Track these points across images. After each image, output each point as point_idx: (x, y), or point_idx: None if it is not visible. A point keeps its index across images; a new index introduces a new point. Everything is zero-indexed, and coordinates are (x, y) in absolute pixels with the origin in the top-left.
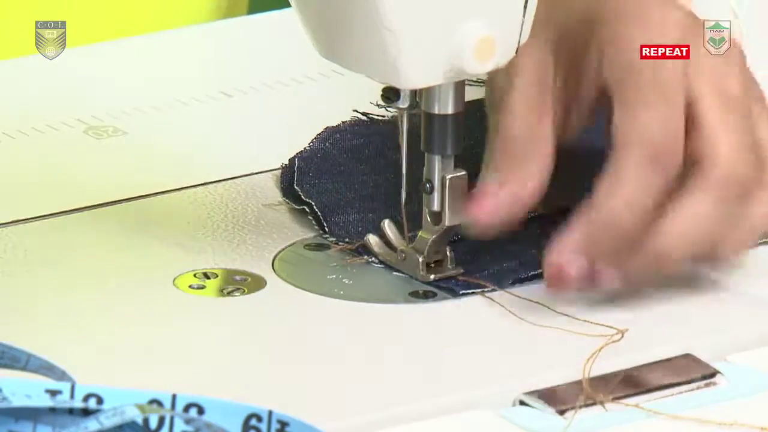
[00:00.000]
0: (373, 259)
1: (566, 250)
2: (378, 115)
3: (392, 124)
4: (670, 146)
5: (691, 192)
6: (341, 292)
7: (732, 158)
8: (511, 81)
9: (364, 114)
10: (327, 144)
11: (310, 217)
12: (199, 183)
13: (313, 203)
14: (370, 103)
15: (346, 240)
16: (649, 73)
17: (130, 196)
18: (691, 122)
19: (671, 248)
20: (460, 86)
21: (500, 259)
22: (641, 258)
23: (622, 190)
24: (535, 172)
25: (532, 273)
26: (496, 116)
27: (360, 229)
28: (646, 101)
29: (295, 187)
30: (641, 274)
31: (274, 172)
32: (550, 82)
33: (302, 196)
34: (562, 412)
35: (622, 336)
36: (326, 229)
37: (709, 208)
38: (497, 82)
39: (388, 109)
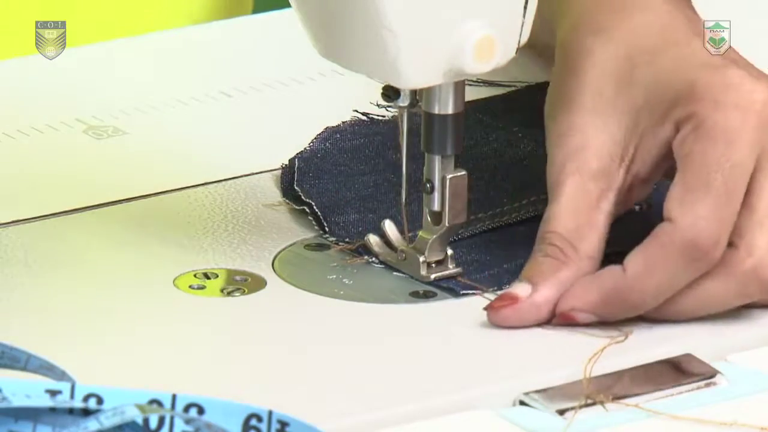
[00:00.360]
0: (374, 259)
1: (580, 305)
2: (378, 115)
3: (392, 123)
4: (713, 250)
5: (716, 278)
6: (341, 292)
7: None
8: (572, 164)
9: (364, 114)
10: (327, 144)
11: (311, 218)
12: (199, 183)
13: (313, 203)
14: (370, 103)
15: (347, 240)
16: (721, 150)
17: (130, 196)
18: (745, 200)
19: (679, 320)
20: (460, 86)
21: (501, 260)
22: (651, 315)
23: (652, 279)
24: (569, 278)
25: None
26: (549, 189)
27: (360, 229)
28: (708, 185)
29: (295, 187)
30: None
31: (274, 172)
32: (614, 168)
33: (302, 197)
34: (562, 412)
35: (626, 337)
36: (326, 230)
37: (727, 298)
38: (557, 154)
39: (388, 109)
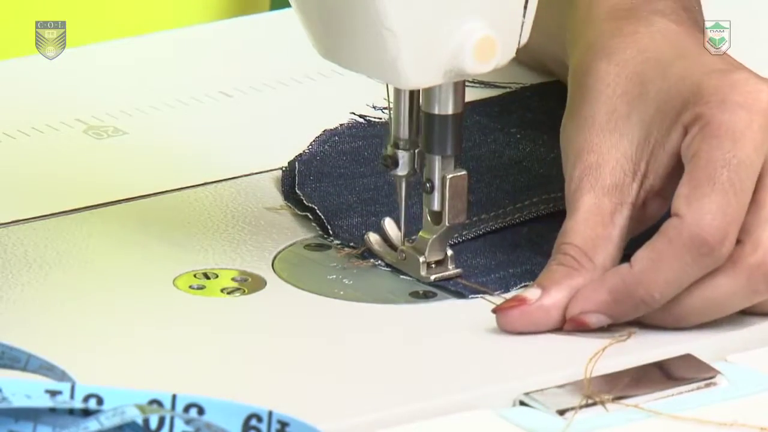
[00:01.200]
0: (380, 262)
1: (590, 306)
2: (375, 118)
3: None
4: (720, 245)
5: (722, 274)
6: (341, 292)
7: None
8: (588, 181)
9: (361, 116)
10: (326, 147)
11: (314, 224)
12: (199, 183)
13: (316, 208)
14: (366, 105)
15: (351, 244)
16: (727, 147)
17: (130, 196)
18: (753, 198)
19: (687, 322)
20: (460, 86)
21: (507, 264)
22: (657, 318)
23: (659, 274)
24: (581, 286)
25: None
26: (567, 206)
27: (363, 231)
28: (714, 181)
29: (297, 191)
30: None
31: (274, 172)
32: (628, 183)
33: (304, 201)
34: (562, 412)
35: (629, 336)
36: (331, 233)
37: (734, 296)
38: (574, 172)
39: (384, 111)
